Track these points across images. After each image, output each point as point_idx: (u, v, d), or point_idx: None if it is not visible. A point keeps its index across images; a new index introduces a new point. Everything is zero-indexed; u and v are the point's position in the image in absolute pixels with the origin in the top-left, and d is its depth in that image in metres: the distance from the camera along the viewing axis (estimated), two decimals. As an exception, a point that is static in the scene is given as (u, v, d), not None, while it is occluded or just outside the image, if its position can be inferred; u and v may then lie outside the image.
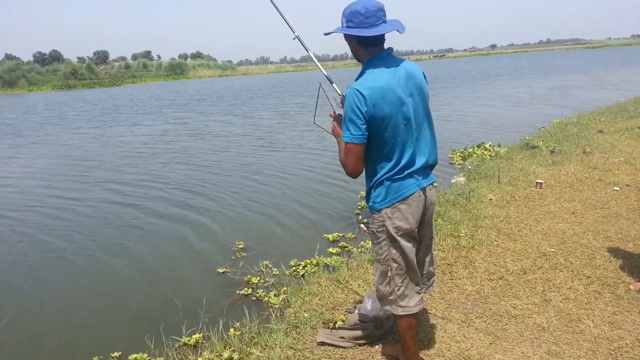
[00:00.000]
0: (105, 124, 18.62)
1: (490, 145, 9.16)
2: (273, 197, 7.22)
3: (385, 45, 2.41)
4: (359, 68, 2.45)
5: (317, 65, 3.09)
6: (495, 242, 4.43)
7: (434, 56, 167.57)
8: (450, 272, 3.91)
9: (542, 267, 3.86)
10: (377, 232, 2.47)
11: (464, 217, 5.12)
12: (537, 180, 6.10)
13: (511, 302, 3.37)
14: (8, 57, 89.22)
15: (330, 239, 5.30)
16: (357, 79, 2.37)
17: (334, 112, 2.57)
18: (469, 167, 7.81)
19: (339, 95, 2.74)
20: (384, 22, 2.33)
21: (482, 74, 40.80)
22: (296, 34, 3.07)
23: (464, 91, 24.54)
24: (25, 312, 4.23)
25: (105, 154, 11.95)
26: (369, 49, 2.37)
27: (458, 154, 8.99)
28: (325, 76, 2.91)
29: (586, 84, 24.29)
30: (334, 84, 2.87)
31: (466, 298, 3.49)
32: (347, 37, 2.41)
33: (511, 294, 3.49)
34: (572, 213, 5.05)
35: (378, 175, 2.40)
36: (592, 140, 8.52)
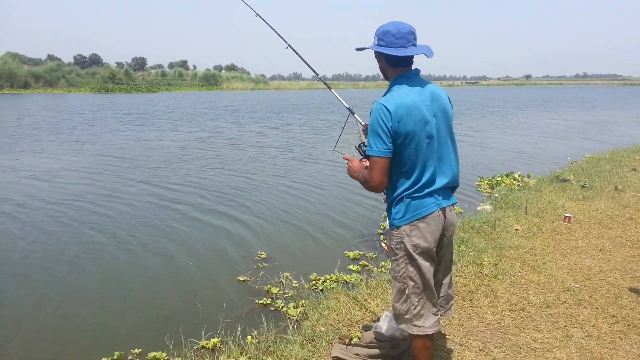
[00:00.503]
0: (144, 127, 19.19)
1: (519, 176, 9.07)
2: (301, 209, 7.31)
3: (417, 70, 2.51)
4: None
5: (340, 101, 3.33)
6: (519, 273, 4.37)
7: (466, 83, 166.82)
8: (470, 300, 3.87)
9: (565, 302, 3.79)
10: (395, 248, 2.50)
11: (488, 246, 5.07)
12: (566, 214, 6.00)
13: (532, 335, 3.32)
14: (50, 57, 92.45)
15: (351, 257, 5.32)
16: (384, 96, 2.45)
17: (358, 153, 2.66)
18: (496, 195, 7.74)
19: (362, 125, 2.87)
20: (414, 45, 2.44)
21: (516, 103, 40.46)
22: (319, 76, 3.48)
23: (499, 119, 24.38)
24: (63, 301, 4.36)
25: (144, 155, 12.34)
26: (397, 69, 2.49)
27: (486, 182, 8.92)
28: (348, 109, 3.10)
29: (623, 120, 23.83)
30: (355, 115, 3.01)
31: (485, 327, 3.45)
32: (378, 55, 2.53)
33: (532, 327, 3.43)
34: (600, 250, 4.95)
35: (397, 192, 2.45)
36: (624, 178, 8.34)
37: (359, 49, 2.61)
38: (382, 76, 2.63)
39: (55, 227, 6.37)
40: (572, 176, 8.65)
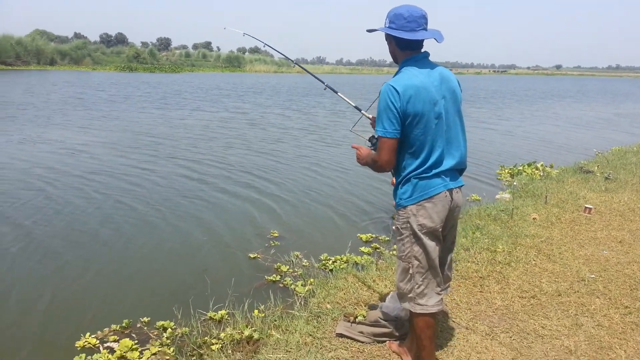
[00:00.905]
0: (169, 106, 19.46)
1: (541, 165, 8.88)
2: (319, 190, 7.34)
3: (427, 52, 2.50)
4: None
5: (348, 102, 3.52)
6: (533, 262, 4.30)
7: (494, 71, 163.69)
8: (481, 285, 3.83)
9: (578, 292, 3.72)
10: (401, 228, 2.51)
11: (504, 233, 5.00)
12: (587, 205, 5.87)
13: (540, 322, 3.27)
14: (77, 35, 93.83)
15: (364, 239, 5.29)
16: (393, 77, 2.44)
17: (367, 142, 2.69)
18: (516, 184, 7.60)
19: (369, 119, 2.92)
20: (424, 29, 2.43)
21: (546, 93, 39.63)
22: (325, 84, 3.73)
23: (527, 108, 23.99)
24: (79, 269, 4.44)
25: (170, 133, 12.61)
26: (406, 52, 2.48)
27: (506, 171, 8.78)
28: (355, 107, 3.25)
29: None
30: (362, 111, 3.07)
31: (494, 312, 3.41)
32: (388, 38, 2.52)
33: (541, 314, 3.38)
34: (620, 242, 4.83)
35: (405, 172, 2.45)
36: (651, 171, 8.11)
37: (369, 31, 2.59)
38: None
39: (91, 197, 6.61)
40: (596, 167, 8.45)
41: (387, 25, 2.45)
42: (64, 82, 32.18)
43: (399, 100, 2.31)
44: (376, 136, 2.51)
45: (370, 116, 2.93)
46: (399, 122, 2.33)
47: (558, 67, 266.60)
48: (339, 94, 3.59)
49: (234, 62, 78.81)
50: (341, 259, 4.62)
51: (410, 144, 2.39)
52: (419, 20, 2.39)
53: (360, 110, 3.19)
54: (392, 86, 2.34)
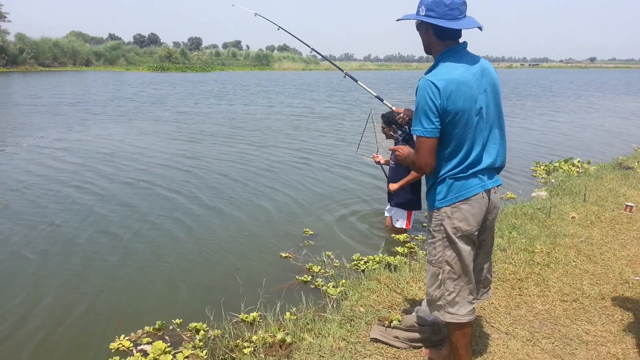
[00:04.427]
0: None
1: (578, 162, 8.60)
2: (364, 186, 7.34)
3: (465, 42, 2.34)
4: None
5: (368, 90, 3.38)
6: (574, 263, 4.14)
7: (527, 65, 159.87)
8: (519, 288, 3.70)
9: (623, 295, 3.55)
10: (434, 231, 2.38)
11: (542, 233, 4.83)
12: (627, 203, 5.64)
13: (584, 327, 3.13)
14: (111, 36, 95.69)
15: (401, 239, 5.14)
16: (428, 71, 2.28)
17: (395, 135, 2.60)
18: (553, 181, 7.36)
19: (391, 109, 2.81)
20: (465, 16, 2.25)
21: (583, 86, 38.57)
22: (345, 72, 3.79)
23: (565, 103, 23.35)
24: (113, 268, 4.48)
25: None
26: (445, 42, 2.30)
27: (542, 168, 8.52)
28: (375, 96, 3.09)
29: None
30: (384, 101, 2.95)
31: (534, 316, 3.29)
32: (423, 27, 2.33)
33: (585, 319, 3.24)
34: (665, 242, 4.61)
35: (441, 172, 2.32)
36: (697, 167, 7.74)
37: (403, 19, 2.37)
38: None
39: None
40: (636, 164, 8.13)
41: (423, 13, 2.25)
42: (114, 81, 33.52)
43: (439, 97, 2.15)
44: (407, 131, 2.42)
45: (394, 108, 2.82)
46: (439, 120, 2.19)
47: (592, 59, 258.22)
48: (358, 82, 3.53)
49: (262, 60, 79.16)
50: (373, 259, 4.53)
51: (447, 142, 2.25)
52: (461, 7, 2.21)
53: (382, 99, 3.07)
54: (432, 82, 2.17)
